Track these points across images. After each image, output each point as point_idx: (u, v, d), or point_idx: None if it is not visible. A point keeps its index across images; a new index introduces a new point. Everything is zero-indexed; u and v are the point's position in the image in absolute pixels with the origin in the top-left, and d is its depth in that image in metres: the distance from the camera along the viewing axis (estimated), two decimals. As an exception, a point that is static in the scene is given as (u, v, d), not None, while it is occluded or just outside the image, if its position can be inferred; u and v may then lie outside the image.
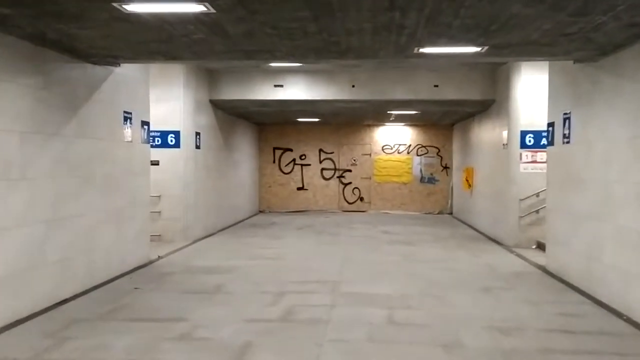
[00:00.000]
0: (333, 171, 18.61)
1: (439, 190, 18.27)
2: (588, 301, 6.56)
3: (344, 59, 6.91)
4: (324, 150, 18.62)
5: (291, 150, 18.65)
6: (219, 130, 13.62)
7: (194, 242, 11.36)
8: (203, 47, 6.17)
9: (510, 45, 5.97)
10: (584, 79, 7.23)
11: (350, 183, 18.57)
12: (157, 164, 11.37)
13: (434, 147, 18.34)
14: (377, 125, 18.48)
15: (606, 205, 6.50)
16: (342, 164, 18.58)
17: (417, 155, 18.38)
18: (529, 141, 10.76)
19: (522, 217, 10.76)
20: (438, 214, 18.07)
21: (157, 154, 11.23)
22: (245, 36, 5.63)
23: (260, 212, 18.45)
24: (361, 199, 18.55)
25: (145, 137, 9.03)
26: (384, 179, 18.43)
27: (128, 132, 8.32)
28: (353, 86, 12.38)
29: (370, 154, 18.52)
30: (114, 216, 7.90)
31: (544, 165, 10.53)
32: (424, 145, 18.37)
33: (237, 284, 7.35)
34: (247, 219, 16.37)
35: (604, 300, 6.40)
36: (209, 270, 8.42)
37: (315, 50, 6.30)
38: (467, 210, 15.31)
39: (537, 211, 10.69)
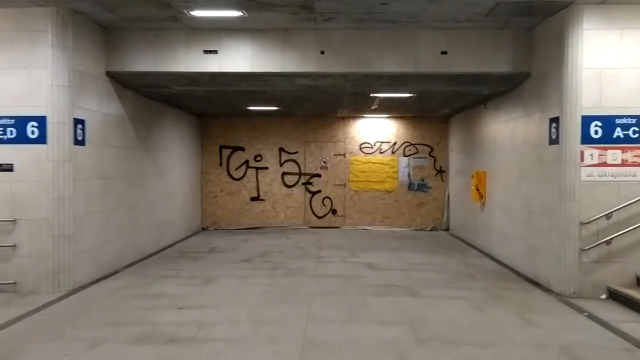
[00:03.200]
0: (297, 176, 14.56)
1: (431, 199, 14.38)
2: None
3: None
4: (286, 149, 14.56)
5: (243, 149, 14.50)
6: (128, 120, 9.38)
7: (72, 292, 7.16)
8: None
9: None
10: None
11: (319, 191, 14.54)
12: (10, 170, 7.18)
13: (426, 145, 14.44)
14: (354, 118, 14.49)
15: None
16: (310, 167, 14.55)
17: (405, 156, 14.46)
18: (596, 132, 6.91)
19: (584, 249, 6.91)
20: (431, 230, 14.18)
21: (8, 153, 7.10)
22: None
23: (203, 229, 14.24)
24: (333, 211, 14.53)
25: None
26: (363, 186, 14.47)
27: None
28: (322, 52, 8.35)
29: (344, 155, 14.53)
30: None
31: (623, 169, 6.73)
32: (412, 143, 14.46)
33: None
34: (179, 241, 12.14)
35: None
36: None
37: None
38: (476, 229, 11.43)
39: (608, 241, 6.85)
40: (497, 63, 8.25)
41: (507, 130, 9.38)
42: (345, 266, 9.17)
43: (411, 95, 10.31)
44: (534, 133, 8.10)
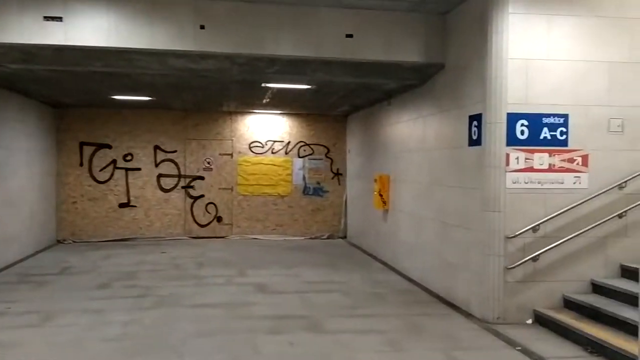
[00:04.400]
0: (176, 179, 12.66)
1: (328, 205, 13.19)
2: None
3: None
4: (163, 147, 12.60)
5: (109, 147, 12.29)
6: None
7: None
8: None
9: None
10: None
11: (202, 196, 12.75)
12: None
13: (322, 145, 13.22)
14: (243, 113, 12.90)
15: None
16: (191, 168, 12.72)
17: (299, 157, 13.13)
18: (522, 133, 6.00)
19: (510, 268, 5.96)
20: (327, 238, 12.99)
21: None
22: None
23: (59, 242, 11.85)
24: (219, 219, 12.82)
25: None
26: (253, 190, 12.91)
27: None
28: (202, 27, 6.72)
29: (232, 155, 12.88)
30: None
31: (550, 175, 5.91)
32: (308, 143, 13.17)
33: None
34: (25, 259, 9.78)
35: None
36: None
37: None
38: (378, 238, 10.38)
39: (535, 258, 5.96)
40: (409, 51, 7.15)
41: (416, 129, 8.35)
42: (231, 290, 7.58)
43: (309, 87, 8.95)
44: (450, 133, 7.10)
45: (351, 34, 6.99)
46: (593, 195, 5.99)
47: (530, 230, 5.97)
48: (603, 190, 6.00)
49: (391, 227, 9.48)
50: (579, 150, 6.06)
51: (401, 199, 8.98)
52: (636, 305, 5.52)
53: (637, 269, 5.93)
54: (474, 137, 6.36)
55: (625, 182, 6.01)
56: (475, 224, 6.32)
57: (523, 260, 5.94)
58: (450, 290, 6.96)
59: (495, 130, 5.99)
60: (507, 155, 5.96)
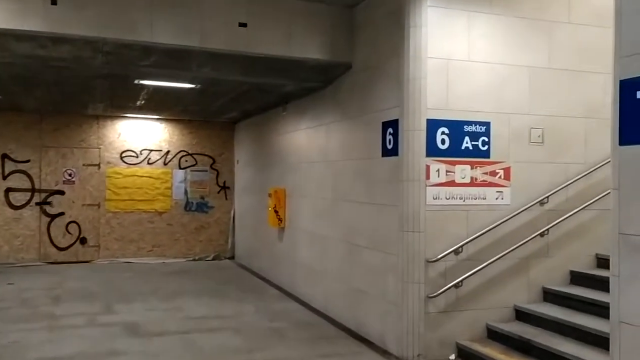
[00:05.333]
0: (29, 194, 10.62)
1: (213, 222, 11.85)
2: None
3: None
4: (12, 157, 10.55)
5: (-61, 155, 10.01)
6: None
7: None
8: None
9: None
10: None
11: (62, 214, 10.81)
12: None
13: (207, 156, 11.88)
14: (113, 117, 11.19)
15: None
16: (48, 181, 10.74)
17: (181, 169, 11.67)
18: (443, 142, 5.29)
19: (431, 297, 5.19)
20: (213, 259, 11.64)
21: None
22: None
23: None
24: (82, 240, 10.94)
25: None
26: (125, 207, 11.21)
27: None
28: (54, 2, 5.28)
29: (99, 165, 11.10)
30: None
31: (472, 190, 5.27)
32: (190, 153, 11.76)
33: None
34: None
35: None
36: None
37: None
38: (272, 260, 9.30)
39: (458, 284, 5.25)
40: (311, 48, 6.23)
41: (318, 138, 7.42)
42: (92, 334, 6.04)
43: (193, 86, 7.66)
44: (359, 142, 6.24)
45: (245, 22, 5.91)
46: (515, 213, 5.43)
47: (453, 253, 5.26)
48: (525, 207, 5.47)
49: (288, 248, 8.45)
50: (501, 162, 5.48)
51: (301, 216, 7.98)
52: (566, 334, 5.03)
53: (559, 291, 5.48)
54: (389, 147, 5.55)
55: (547, 197, 5.53)
56: (390, 246, 5.49)
57: (446, 287, 5.19)
58: (362, 323, 6.06)
59: (414, 138, 5.22)
60: (428, 167, 5.21)
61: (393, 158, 5.46)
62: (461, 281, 5.25)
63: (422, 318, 5.20)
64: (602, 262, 5.66)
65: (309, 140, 7.75)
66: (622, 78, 2.99)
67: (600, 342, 4.43)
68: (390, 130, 5.54)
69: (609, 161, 5.64)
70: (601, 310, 4.93)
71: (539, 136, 5.60)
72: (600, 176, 5.66)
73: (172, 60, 6.12)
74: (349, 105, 6.50)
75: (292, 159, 8.37)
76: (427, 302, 5.21)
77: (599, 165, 5.65)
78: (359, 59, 6.24)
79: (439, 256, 5.19)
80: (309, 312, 7.09)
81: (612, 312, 3.06)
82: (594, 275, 5.48)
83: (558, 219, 5.51)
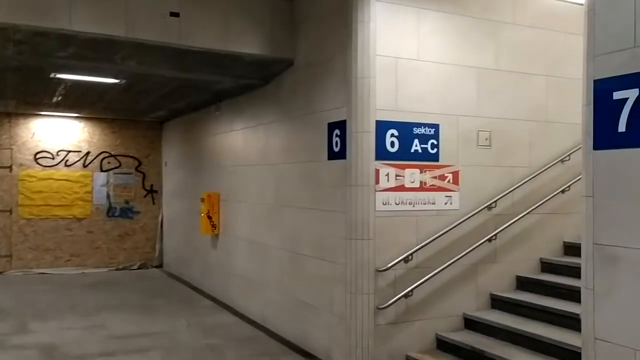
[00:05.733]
0: None
1: (139, 228, 11.06)
2: None
3: None
4: None
5: None
6: None
7: None
8: None
9: None
10: None
11: (-34, 222, 9.69)
12: None
13: (132, 157, 11.07)
14: (27, 115, 10.18)
15: None
16: (-51, 185, 9.59)
17: (102, 171, 10.80)
18: (392, 145, 5.02)
19: (380, 308, 4.91)
20: (139, 268, 10.87)
21: None
22: None
23: None
24: (-9, 251, 9.88)
25: None
26: (40, 213, 10.22)
27: None
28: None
29: (10, 168, 10.05)
30: None
31: (421, 195, 5.05)
32: (113, 154, 10.91)
33: None
34: None
35: None
36: None
37: None
38: (205, 269, 8.74)
39: (408, 294, 4.99)
40: (250, 42, 5.78)
41: (256, 139, 6.97)
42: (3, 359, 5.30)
43: (118, 81, 6.97)
44: (302, 144, 5.87)
45: (177, 12, 5.38)
46: (464, 218, 5.26)
47: (403, 261, 5.00)
48: (473, 212, 5.31)
49: (223, 257, 7.93)
50: (449, 165, 5.30)
51: (237, 223, 7.49)
52: (518, 343, 4.90)
53: (507, 298, 5.37)
54: (336, 149, 5.21)
55: (495, 202, 5.41)
56: (337, 255, 5.16)
57: (396, 297, 4.93)
58: (306, 336, 5.69)
59: (363, 141, 4.91)
60: (377, 171, 4.93)
61: (340, 161, 5.13)
62: (411, 290, 5.00)
63: (372, 331, 4.91)
64: (546, 266, 5.65)
65: (246, 142, 7.28)
66: (596, 78, 2.81)
67: (556, 351, 4.32)
68: (337, 131, 5.21)
69: (553, 164, 5.74)
70: (551, 317, 4.86)
71: (486, 139, 5.47)
72: (543, 180, 5.62)
73: (94, 51, 5.47)
74: (291, 104, 6.11)
75: (227, 161, 7.86)
76: (377, 313, 4.92)
77: (543, 169, 5.61)
78: (302, 55, 5.87)
79: (389, 265, 4.92)
80: (246, 325, 6.63)
81: (586, 327, 2.88)
82: (539, 280, 5.43)
83: (505, 223, 5.40)
